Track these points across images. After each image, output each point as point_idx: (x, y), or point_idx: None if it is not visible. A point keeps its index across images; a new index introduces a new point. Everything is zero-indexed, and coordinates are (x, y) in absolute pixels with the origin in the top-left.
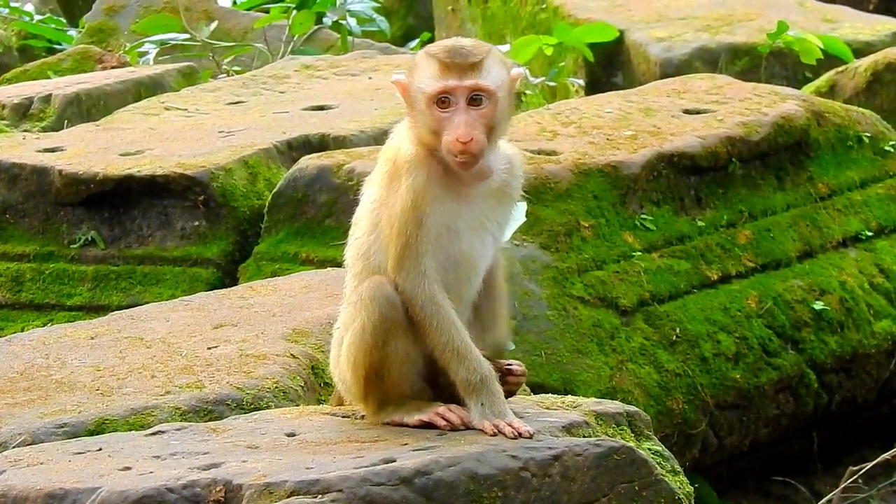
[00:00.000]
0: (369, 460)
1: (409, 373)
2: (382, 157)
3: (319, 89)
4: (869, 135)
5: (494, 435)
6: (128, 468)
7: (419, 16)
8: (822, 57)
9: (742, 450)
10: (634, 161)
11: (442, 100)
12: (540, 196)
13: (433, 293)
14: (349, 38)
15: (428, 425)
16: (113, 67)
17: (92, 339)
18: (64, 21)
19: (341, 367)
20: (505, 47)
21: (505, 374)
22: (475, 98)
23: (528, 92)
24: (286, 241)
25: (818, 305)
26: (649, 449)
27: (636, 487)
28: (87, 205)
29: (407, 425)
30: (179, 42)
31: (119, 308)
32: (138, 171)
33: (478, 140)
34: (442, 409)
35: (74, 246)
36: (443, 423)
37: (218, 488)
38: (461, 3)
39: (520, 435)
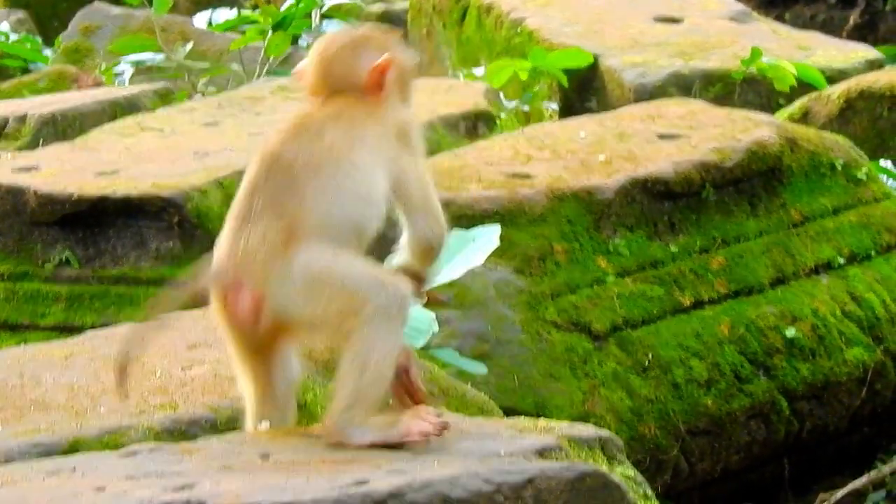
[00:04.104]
0: (343, 482)
1: None
2: None
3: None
4: (842, 162)
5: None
6: (102, 488)
7: None
8: (796, 84)
9: (713, 476)
10: (608, 186)
11: None
12: (514, 220)
13: None
14: None
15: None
16: (89, 87)
17: (66, 358)
18: (40, 41)
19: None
20: (480, 71)
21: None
22: None
23: (502, 115)
24: None
25: (790, 332)
26: (622, 473)
27: None
28: (62, 225)
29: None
30: (155, 63)
31: (93, 328)
32: (113, 192)
33: None
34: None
35: (49, 266)
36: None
37: None
38: (436, 27)
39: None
